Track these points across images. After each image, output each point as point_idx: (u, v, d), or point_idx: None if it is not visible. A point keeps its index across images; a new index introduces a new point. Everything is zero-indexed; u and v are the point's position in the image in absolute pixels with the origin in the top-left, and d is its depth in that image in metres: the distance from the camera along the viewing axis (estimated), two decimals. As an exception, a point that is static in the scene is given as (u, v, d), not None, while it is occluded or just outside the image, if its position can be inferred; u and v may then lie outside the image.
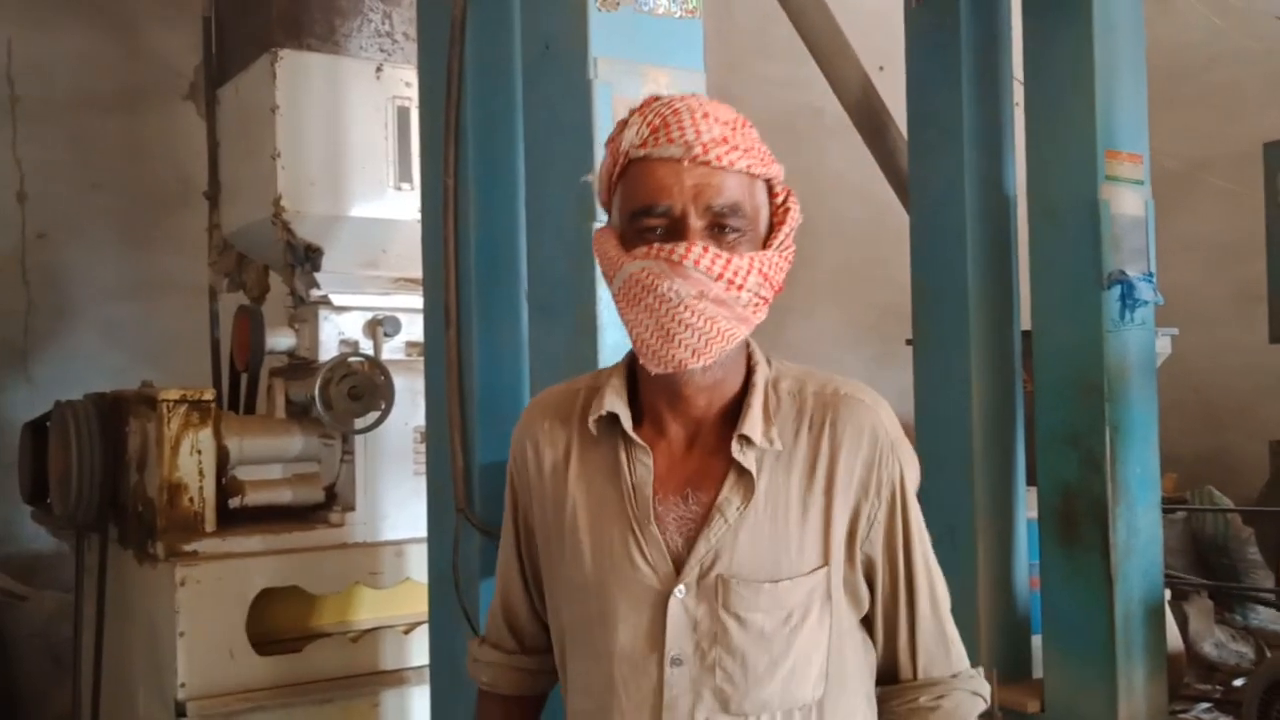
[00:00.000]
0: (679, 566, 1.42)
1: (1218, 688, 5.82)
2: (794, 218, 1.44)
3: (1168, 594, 4.98)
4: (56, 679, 4.64)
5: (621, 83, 2.28)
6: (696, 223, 1.34)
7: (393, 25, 3.41)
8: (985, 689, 1.54)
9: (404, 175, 3.40)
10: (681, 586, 1.41)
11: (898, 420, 1.50)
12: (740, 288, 1.35)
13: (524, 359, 2.50)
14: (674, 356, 1.36)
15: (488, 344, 2.64)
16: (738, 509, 1.42)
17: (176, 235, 5.26)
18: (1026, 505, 3.77)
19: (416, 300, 3.07)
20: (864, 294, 7.48)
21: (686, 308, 1.33)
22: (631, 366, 1.49)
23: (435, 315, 2.73)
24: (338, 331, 3.42)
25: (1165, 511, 6.68)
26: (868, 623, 1.50)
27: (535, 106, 2.42)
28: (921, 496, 4.08)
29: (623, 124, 1.40)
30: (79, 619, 3.59)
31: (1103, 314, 3.49)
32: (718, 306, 1.34)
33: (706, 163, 1.34)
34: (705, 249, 1.32)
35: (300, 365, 3.45)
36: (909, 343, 3.91)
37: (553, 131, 2.30)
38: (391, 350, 3.45)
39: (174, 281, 5.25)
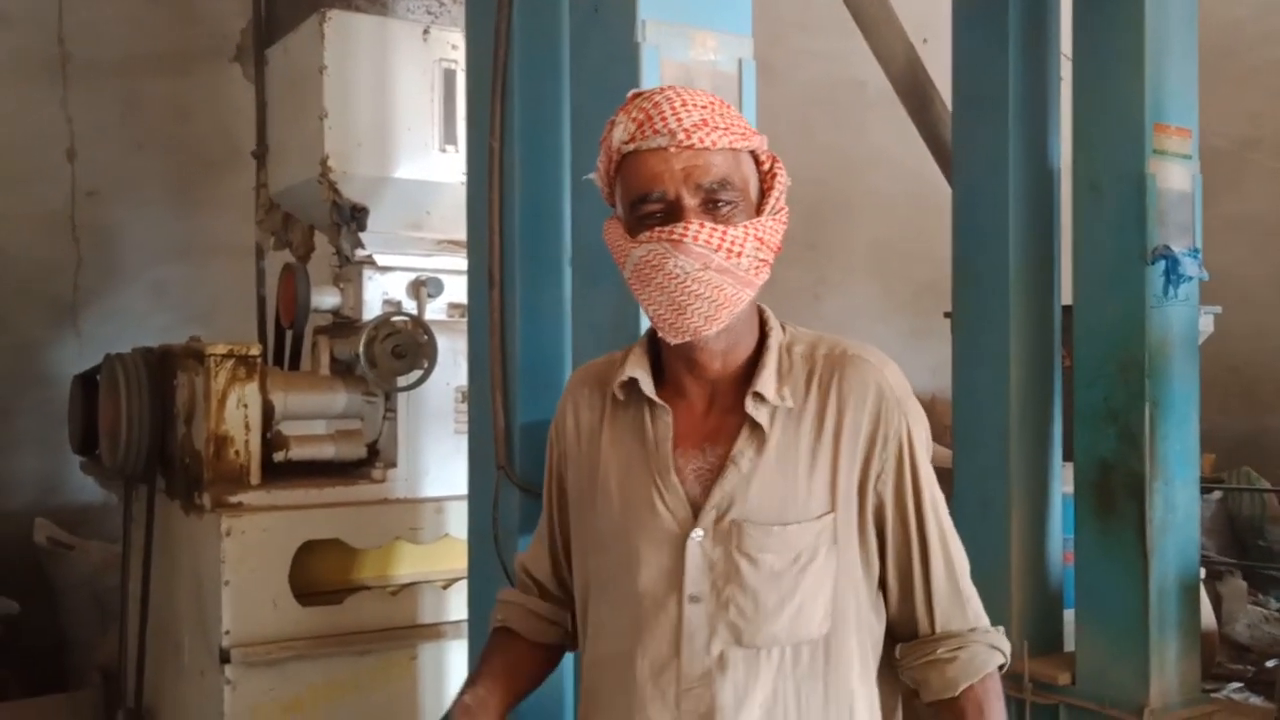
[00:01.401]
0: (696, 512, 1.54)
1: (1249, 668, 5.81)
2: (781, 181, 1.56)
3: (1202, 572, 4.97)
4: (103, 627, 4.76)
5: (670, 45, 2.30)
6: (691, 201, 1.46)
7: (440, -13, 3.43)
8: (1005, 644, 1.61)
9: (449, 138, 3.43)
10: (699, 530, 1.53)
11: (905, 379, 1.60)
12: (739, 255, 1.47)
13: (566, 322, 2.53)
14: (689, 326, 1.49)
15: (530, 307, 2.67)
16: (750, 459, 1.54)
17: (223, 196, 5.32)
18: (1062, 480, 3.76)
19: (459, 262, 3.11)
20: (902, 268, 7.46)
21: (694, 280, 1.45)
22: (654, 336, 1.60)
23: (479, 277, 2.76)
24: (381, 291, 3.47)
25: (1202, 491, 6.66)
26: (884, 586, 1.56)
27: (582, 69, 2.43)
28: (957, 469, 4.04)
29: (611, 124, 1.52)
30: (126, 568, 3.67)
31: (1146, 289, 3.46)
32: (722, 275, 1.46)
33: (691, 146, 1.46)
34: (702, 225, 1.45)
35: (345, 324, 3.50)
36: (947, 316, 3.90)
37: (600, 95, 2.31)
38: (434, 311, 3.50)
39: (221, 241, 5.32)
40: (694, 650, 1.51)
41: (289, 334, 3.69)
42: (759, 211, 1.51)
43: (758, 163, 1.54)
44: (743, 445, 1.52)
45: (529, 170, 2.66)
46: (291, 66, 3.60)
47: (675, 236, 1.43)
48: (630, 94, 1.52)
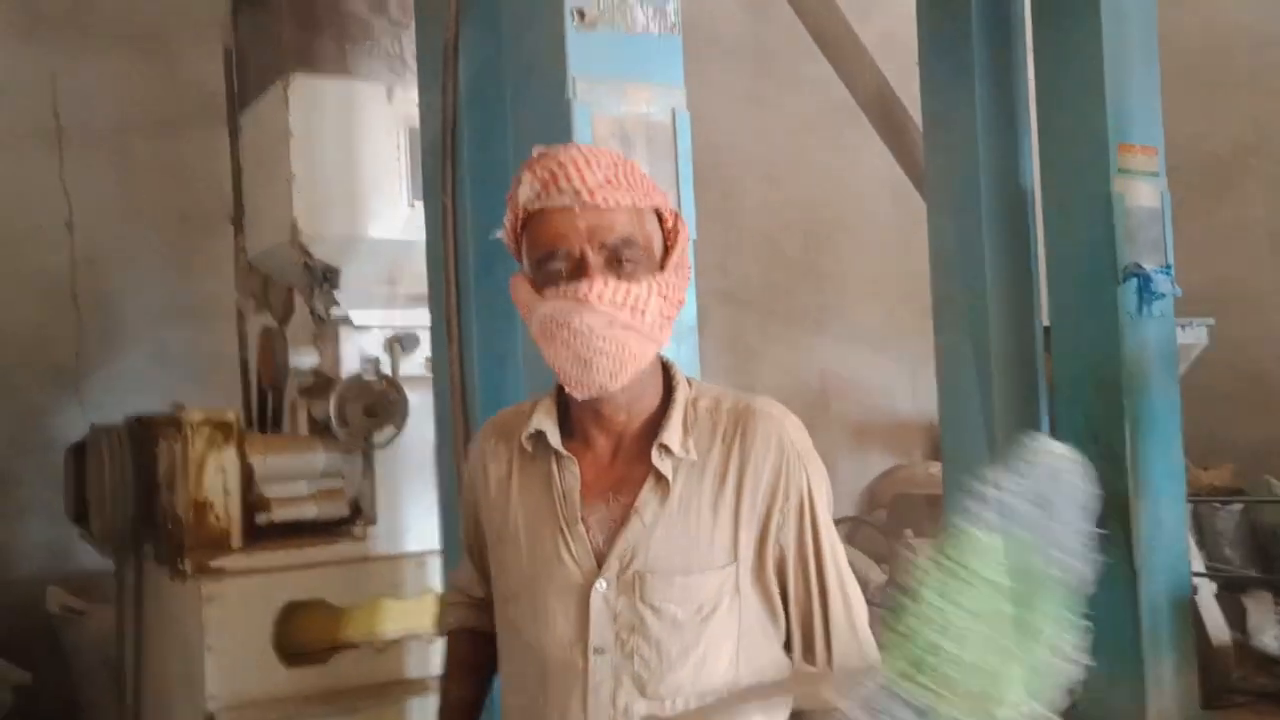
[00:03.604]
0: (601, 562, 1.56)
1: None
2: (684, 237, 1.57)
3: (1212, 587, 4.90)
4: (115, 692, 4.79)
5: (601, 101, 2.34)
6: (595, 260, 1.48)
7: (402, 48, 3.48)
8: None
9: (418, 194, 3.47)
10: (602, 581, 1.55)
11: (807, 433, 1.61)
12: (643, 312, 1.49)
13: (522, 372, 2.56)
14: (594, 381, 1.51)
15: (488, 358, 2.70)
16: (654, 510, 1.55)
17: (221, 256, 5.36)
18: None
19: (432, 317, 3.13)
20: (902, 294, 7.44)
21: (599, 337, 1.47)
22: (562, 388, 1.61)
23: (439, 332, 2.80)
24: (359, 349, 3.50)
25: (1221, 503, 6.56)
26: (789, 637, 1.58)
27: (521, 128, 2.47)
28: (947, 494, 4.03)
29: (517, 180, 1.53)
30: (122, 636, 3.71)
31: (1119, 308, 3.46)
32: (626, 332, 1.48)
33: (595, 205, 1.47)
34: (606, 282, 1.47)
35: (323, 383, 3.54)
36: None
37: (536, 152, 2.34)
38: (413, 366, 3.53)
39: (220, 302, 5.36)
40: (599, 702, 1.52)
41: (270, 395, 3.74)
42: (663, 268, 1.52)
43: (661, 220, 1.55)
44: (647, 496, 1.54)
45: (480, 225, 2.70)
46: (261, 132, 3.66)
47: (580, 295, 1.45)
48: (535, 152, 1.55)
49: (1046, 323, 3.68)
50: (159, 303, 5.56)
